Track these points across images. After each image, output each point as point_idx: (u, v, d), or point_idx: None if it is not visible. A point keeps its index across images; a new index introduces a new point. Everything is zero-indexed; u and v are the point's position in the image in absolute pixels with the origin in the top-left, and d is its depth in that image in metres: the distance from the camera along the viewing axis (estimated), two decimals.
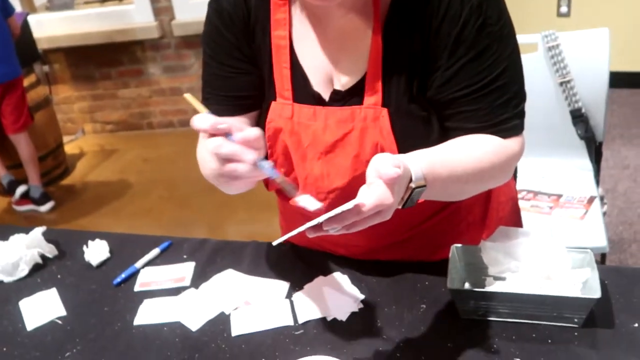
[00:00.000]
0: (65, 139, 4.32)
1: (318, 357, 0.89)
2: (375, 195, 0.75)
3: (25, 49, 3.79)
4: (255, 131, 0.82)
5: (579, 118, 1.95)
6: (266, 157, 1.04)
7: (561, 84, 1.95)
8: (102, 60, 4.43)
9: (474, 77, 0.92)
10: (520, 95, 0.96)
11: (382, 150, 0.97)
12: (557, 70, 1.95)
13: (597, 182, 1.99)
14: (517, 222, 1.30)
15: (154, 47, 4.31)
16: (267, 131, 1.03)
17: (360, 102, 0.97)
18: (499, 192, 1.20)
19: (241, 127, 0.82)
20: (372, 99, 0.96)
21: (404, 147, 0.94)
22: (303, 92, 1.01)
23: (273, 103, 1.03)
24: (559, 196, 1.92)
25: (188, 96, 0.88)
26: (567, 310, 0.94)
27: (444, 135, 0.98)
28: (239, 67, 1.04)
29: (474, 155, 0.93)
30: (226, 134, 0.80)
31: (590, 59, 1.92)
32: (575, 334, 0.95)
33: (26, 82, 3.71)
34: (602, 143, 1.99)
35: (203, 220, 3.30)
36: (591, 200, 1.87)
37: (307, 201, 0.80)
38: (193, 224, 3.28)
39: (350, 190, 1.01)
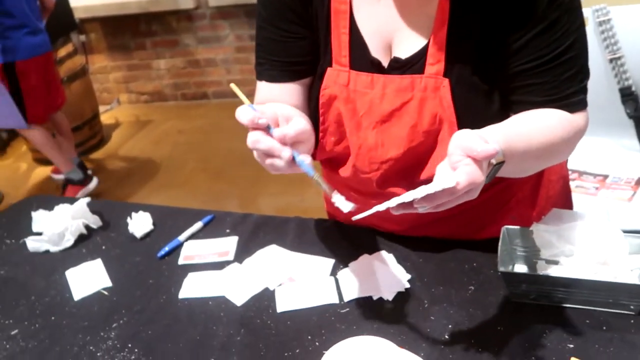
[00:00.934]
0: (101, 109, 4.36)
1: (365, 337, 0.88)
2: (467, 174, 0.73)
3: (62, 18, 3.81)
4: (298, 125, 0.82)
5: (628, 96, 1.89)
6: (316, 137, 1.03)
7: (611, 60, 1.88)
8: (138, 31, 4.44)
9: (543, 49, 0.89)
10: (585, 70, 0.93)
11: (441, 122, 0.95)
12: (607, 46, 1.88)
13: None
14: (566, 201, 1.27)
15: (189, 18, 4.30)
16: (321, 98, 1.01)
17: (421, 71, 0.94)
18: (551, 170, 1.17)
19: (289, 115, 0.83)
20: (434, 68, 0.93)
21: (463, 119, 0.92)
22: (361, 59, 0.98)
23: (329, 69, 1.00)
24: (605, 177, 1.87)
25: (233, 86, 0.87)
26: (624, 296, 0.92)
27: (506, 109, 0.96)
28: (295, 31, 1.02)
29: (546, 129, 0.90)
30: (267, 128, 0.81)
31: None
32: (631, 321, 0.92)
33: (63, 51, 3.74)
34: None
35: (236, 193, 3.31)
36: (639, 181, 1.81)
37: (340, 202, 0.81)
38: (227, 196, 3.29)
39: (404, 161, 1.00)
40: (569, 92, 0.92)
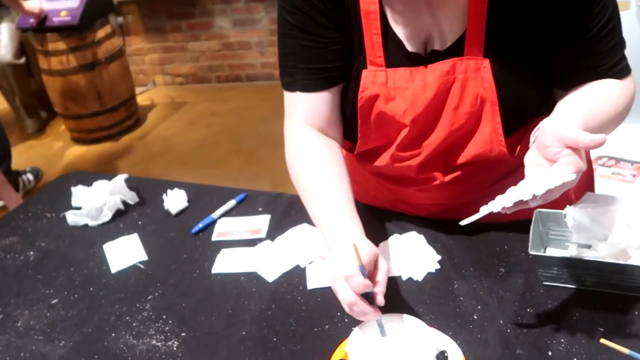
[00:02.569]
0: (137, 90, 4.42)
1: (394, 315, 0.89)
2: (573, 164, 0.76)
3: (101, 0, 3.87)
4: (385, 274, 0.88)
5: None
6: None
7: None
8: (173, 13, 4.48)
9: (589, 22, 0.90)
10: (622, 37, 0.95)
11: (483, 102, 0.95)
12: None
13: None
14: (589, 180, 1.28)
15: (224, 0, 4.31)
16: (359, 101, 1.00)
17: (461, 55, 0.95)
18: None
19: (375, 253, 0.89)
20: (474, 49, 0.94)
21: (505, 99, 0.94)
22: (396, 55, 0.98)
23: (364, 72, 0.99)
24: None
25: (355, 246, 0.86)
26: None
27: (544, 89, 0.97)
28: (328, 36, 0.99)
29: (611, 99, 0.93)
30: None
31: None
32: None
33: (102, 32, 3.80)
34: None
35: (268, 174, 3.34)
36: None
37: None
38: (259, 177, 3.32)
39: (445, 144, 1.00)
40: (616, 60, 0.94)
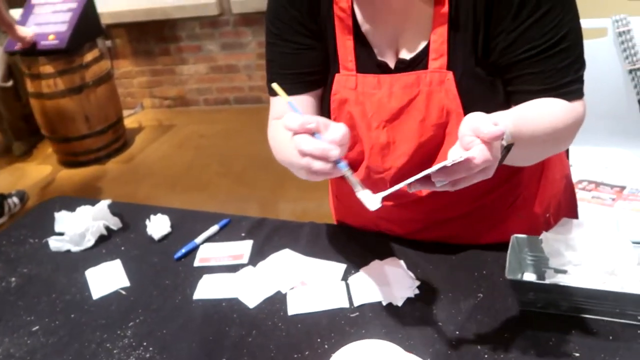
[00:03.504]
0: (125, 113, 4.43)
1: (373, 341, 0.90)
2: (481, 151, 0.76)
3: (90, 23, 3.90)
4: (342, 130, 0.82)
5: None
6: None
7: (630, 71, 1.88)
8: (162, 36, 4.51)
9: (537, 39, 0.92)
10: (581, 61, 0.96)
11: (449, 114, 0.98)
12: (627, 57, 1.88)
13: None
14: (571, 201, 1.29)
15: (212, 24, 4.36)
16: (332, 103, 1.05)
17: (425, 67, 0.98)
18: (554, 168, 1.20)
19: (327, 122, 0.84)
20: (437, 62, 0.97)
21: (470, 110, 0.95)
22: (367, 62, 1.02)
23: (337, 75, 1.04)
24: (622, 188, 1.86)
25: (275, 86, 0.90)
26: (631, 307, 0.92)
27: (508, 99, 0.99)
28: (304, 43, 1.05)
29: (549, 115, 0.94)
30: (313, 133, 0.83)
31: None
32: (638, 331, 0.92)
33: (90, 56, 3.82)
34: None
35: (256, 197, 3.35)
36: None
37: (366, 198, 0.83)
38: (247, 200, 3.33)
39: (416, 157, 1.02)
40: (565, 81, 0.95)
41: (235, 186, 3.51)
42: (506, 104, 0.98)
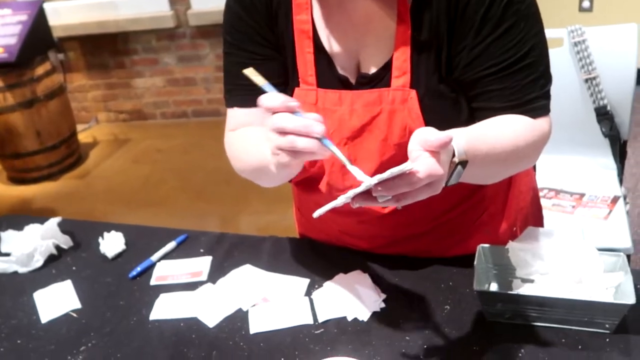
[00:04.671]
0: (79, 127, 4.31)
1: (340, 359, 0.86)
2: (426, 164, 0.73)
3: (41, 36, 3.78)
4: (320, 116, 0.78)
5: (603, 115, 1.90)
6: None
7: (586, 80, 1.90)
8: (117, 49, 4.41)
9: (500, 55, 0.90)
10: (546, 76, 0.94)
11: (411, 133, 0.94)
12: (582, 66, 1.90)
13: (621, 182, 1.94)
14: (537, 213, 1.27)
15: (169, 37, 4.28)
16: None
17: (388, 85, 0.95)
18: (520, 181, 1.18)
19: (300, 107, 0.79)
20: (400, 80, 0.94)
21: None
22: (328, 76, 0.99)
23: (296, 89, 1.01)
24: (582, 195, 1.88)
25: (248, 71, 0.86)
26: (599, 315, 0.91)
27: (472, 117, 0.96)
28: (262, 53, 1.02)
29: (510, 132, 0.91)
30: (294, 112, 0.78)
31: (617, 55, 1.86)
32: (607, 340, 0.91)
33: (41, 69, 3.70)
34: (627, 141, 1.94)
35: (217, 212, 3.28)
36: (615, 199, 1.82)
37: (358, 173, 0.78)
38: (207, 215, 3.26)
39: None
40: (530, 98, 0.93)
41: (195, 201, 3.43)
42: (470, 123, 0.95)
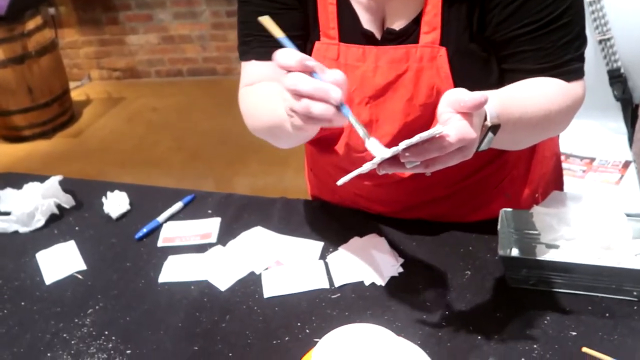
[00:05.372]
0: (71, 85, 4.21)
1: (361, 325, 0.83)
2: (457, 128, 0.68)
3: None
4: (341, 74, 0.71)
5: (616, 78, 1.86)
6: None
7: (600, 41, 1.85)
8: (110, 4, 4.28)
9: (536, 13, 0.85)
10: (582, 37, 0.89)
11: (439, 94, 0.89)
12: (597, 27, 1.84)
13: (631, 146, 1.91)
14: (558, 179, 1.24)
15: None
16: None
17: (416, 41, 0.89)
18: (544, 146, 1.14)
19: (322, 66, 0.72)
20: (429, 36, 0.88)
21: None
22: (351, 31, 0.93)
23: (317, 43, 0.95)
24: (592, 159, 1.85)
25: (264, 19, 0.80)
26: (627, 282, 0.88)
27: (502, 79, 0.91)
28: (285, 2, 0.95)
29: (543, 97, 0.86)
30: (311, 73, 0.71)
31: (633, 16, 1.81)
32: (635, 307, 0.89)
33: (32, 24, 3.59)
34: (639, 105, 1.90)
35: (212, 173, 3.23)
36: (627, 164, 1.79)
37: (376, 147, 0.72)
38: (203, 176, 3.21)
39: (400, 138, 0.94)
40: (564, 60, 0.88)
41: (190, 161, 3.38)
42: (500, 85, 0.91)
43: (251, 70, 1.00)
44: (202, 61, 4.36)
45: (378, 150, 0.71)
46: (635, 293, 0.89)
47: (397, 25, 0.91)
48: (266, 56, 0.95)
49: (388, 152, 0.70)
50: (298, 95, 0.70)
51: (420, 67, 0.89)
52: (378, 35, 0.92)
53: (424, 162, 0.70)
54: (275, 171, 3.06)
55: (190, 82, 4.41)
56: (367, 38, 0.92)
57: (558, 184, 1.23)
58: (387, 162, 0.72)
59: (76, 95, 4.30)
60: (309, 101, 0.69)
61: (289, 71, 0.71)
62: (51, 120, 3.83)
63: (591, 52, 1.88)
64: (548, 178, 1.15)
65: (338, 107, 0.70)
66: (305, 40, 0.97)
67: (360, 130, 0.72)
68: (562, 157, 1.88)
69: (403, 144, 0.68)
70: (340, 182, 0.74)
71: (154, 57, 4.44)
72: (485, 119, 0.76)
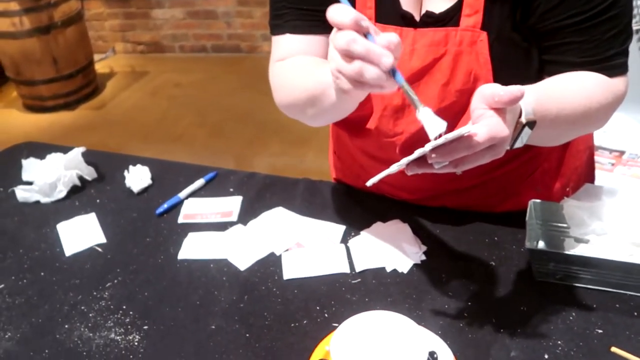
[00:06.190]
0: (96, 57, 4.21)
1: (381, 312, 0.81)
2: (487, 126, 0.66)
3: None
4: (397, 36, 0.66)
5: None
6: None
7: (637, 31, 1.79)
8: None
9: (585, 4, 0.81)
10: (628, 30, 0.85)
11: (476, 80, 0.86)
12: (633, 16, 1.79)
13: None
14: (590, 172, 1.20)
15: None
16: None
17: (456, 25, 0.86)
18: (579, 139, 1.10)
19: (375, 28, 0.67)
20: (471, 19, 0.85)
21: (500, 78, 0.83)
22: (388, 11, 0.89)
23: None
24: (622, 153, 1.80)
25: None
26: None
27: (542, 71, 0.88)
28: None
29: (583, 92, 0.83)
30: (365, 35, 0.66)
31: None
32: None
33: None
34: None
35: (232, 151, 3.22)
36: None
37: (429, 118, 0.67)
38: (222, 153, 3.20)
39: None
40: (609, 54, 0.84)
41: (211, 138, 3.37)
42: (539, 77, 0.88)
43: (284, 44, 0.97)
44: (226, 38, 4.33)
45: (430, 122, 0.67)
46: None
47: (437, 7, 0.88)
48: (302, 30, 0.93)
49: (414, 153, 0.68)
50: (349, 56, 0.65)
51: (459, 51, 0.86)
52: (417, 17, 0.89)
53: (453, 161, 0.68)
54: (296, 152, 3.04)
55: (214, 58, 4.39)
56: (405, 20, 0.89)
57: (590, 178, 1.19)
58: (414, 163, 0.70)
59: (100, 67, 4.30)
60: (362, 64, 0.64)
61: (340, 29, 0.66)
62: (75, 92, 3.84)
63: None
64: (580, 172, 1.12)
65: (390, 73, 0.65)
66: None
67: (414, 99, 0.68)
68: None
69: (429, 145, 0.66)
70: (369, 182, 0.72)
71: (178, 32, 4.42)
72: (520, 116, 0.74)
